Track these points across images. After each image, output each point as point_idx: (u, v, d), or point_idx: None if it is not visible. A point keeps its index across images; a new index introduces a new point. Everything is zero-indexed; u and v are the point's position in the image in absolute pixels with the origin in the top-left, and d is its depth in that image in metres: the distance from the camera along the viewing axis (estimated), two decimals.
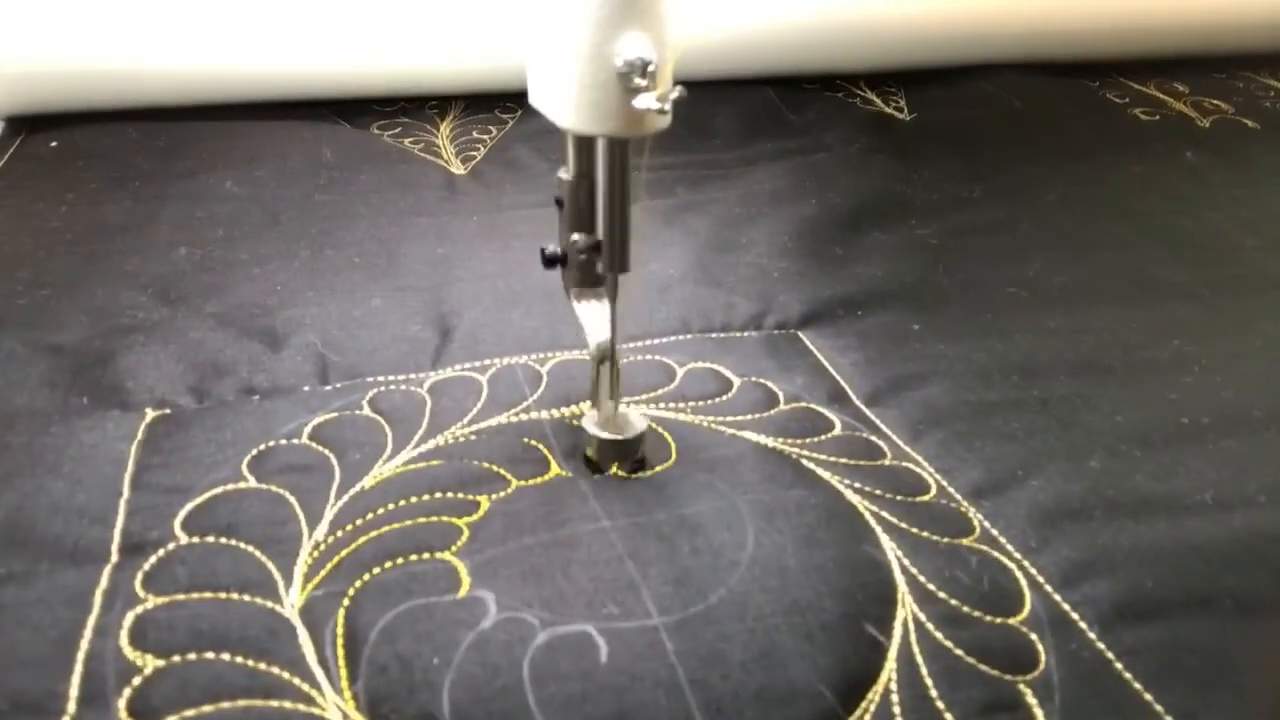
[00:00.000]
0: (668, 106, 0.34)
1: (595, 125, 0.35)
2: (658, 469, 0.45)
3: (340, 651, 0.34)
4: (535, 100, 0.38)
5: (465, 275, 0.61)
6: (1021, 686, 0.36)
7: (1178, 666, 0.37)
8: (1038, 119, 0.98)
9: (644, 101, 0.34)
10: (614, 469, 0.44)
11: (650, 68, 0.33)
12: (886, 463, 0.47)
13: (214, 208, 0.68)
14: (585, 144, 0.39)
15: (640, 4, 0.33)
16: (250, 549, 0.39)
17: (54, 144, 0.76)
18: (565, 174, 0.40)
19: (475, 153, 0.82)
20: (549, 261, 0.43)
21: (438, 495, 0.42)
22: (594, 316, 0.43)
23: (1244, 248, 0.73)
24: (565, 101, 0.35)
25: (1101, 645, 0.38)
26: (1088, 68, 1.10)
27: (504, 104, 0.91)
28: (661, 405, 0.49)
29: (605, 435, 0.44)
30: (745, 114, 0.91)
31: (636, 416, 0.45)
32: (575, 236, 0.41)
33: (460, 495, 0.42)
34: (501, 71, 0.89)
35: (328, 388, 0.50)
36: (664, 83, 0.34)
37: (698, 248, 0.65)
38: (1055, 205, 0.78)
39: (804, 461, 0.46)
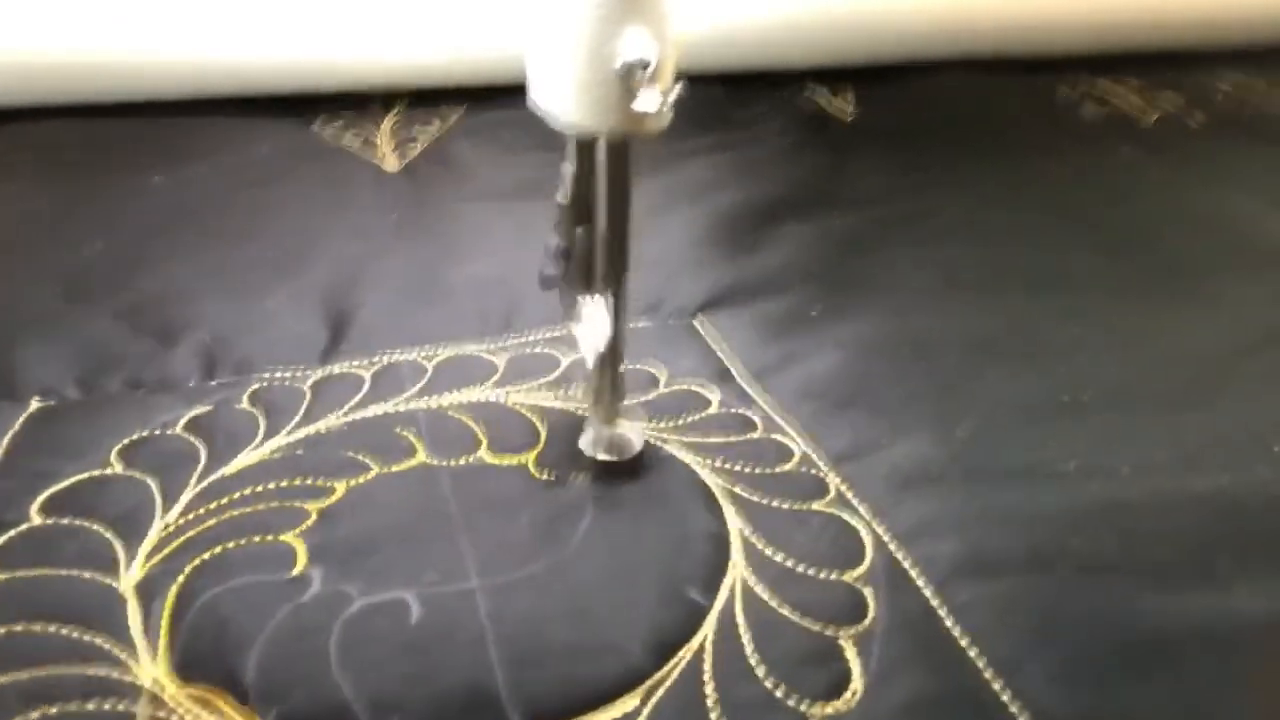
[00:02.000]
0: (668, 105, 0.34)
1: (595, 124, 0.36)
2: (520, 456, 0.45)
3: (165, 623, 0.35)
4: (535, 99, 0.38)
5: (372, 273, 0.62)
6: (842, 640, 0.36)
7: (1008, 621, 0.38)
8: (983, 116, 0.99)
9: (644, 100, 0.34)
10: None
11: (650, 67, 0.33)
12: (755, 436, 0.48)
13: (136, 204, 0.69)
14: (585, 146, 0.39)
15: (640, 3, 0.33)
16: (100, 529, 0.40)
17: None
18: (565, 174, 0.40)
19: (413, 148, 0.82)
20: (547, 282, 0.43)
21: (296, 481, 0.43)
22: (592, 320, 0.42)
23: (1165, 241, 0.73)
24: (565, 100, 0.36)
25: (934, 600, 0.38)
26: (1043, 65, 1.10)
27: (450, 100, 0.92)
28: (541, 390, 0.50)
29: (603, 458, 0.44)
30: (688, 110, 0.91)
31: (636, 435, 0.45)
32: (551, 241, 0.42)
33: (318, 481, 0.43)
34: (448, 65, 0.89)
35: (212, 382, 0.51)
36: (664, 81, 0.34)
37: None
38: (984, 199, 0.79)
39: (665, 445, 0.46)
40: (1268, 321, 0.61)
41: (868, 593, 0.38)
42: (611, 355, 0.42)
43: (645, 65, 0.33)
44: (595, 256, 0.41)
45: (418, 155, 0.82)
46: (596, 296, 0.42)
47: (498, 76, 0.92)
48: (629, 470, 0.45)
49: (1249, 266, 0.69)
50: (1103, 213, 0.77)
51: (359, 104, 0.91)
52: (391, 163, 0.79)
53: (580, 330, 0.43)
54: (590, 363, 0.42)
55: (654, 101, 0.34)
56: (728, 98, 0.97)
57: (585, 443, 0.44)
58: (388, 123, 0.87)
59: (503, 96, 0.91)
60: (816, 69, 1.04)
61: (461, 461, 0.45)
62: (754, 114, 0.94)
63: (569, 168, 0.40)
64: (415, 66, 0.89)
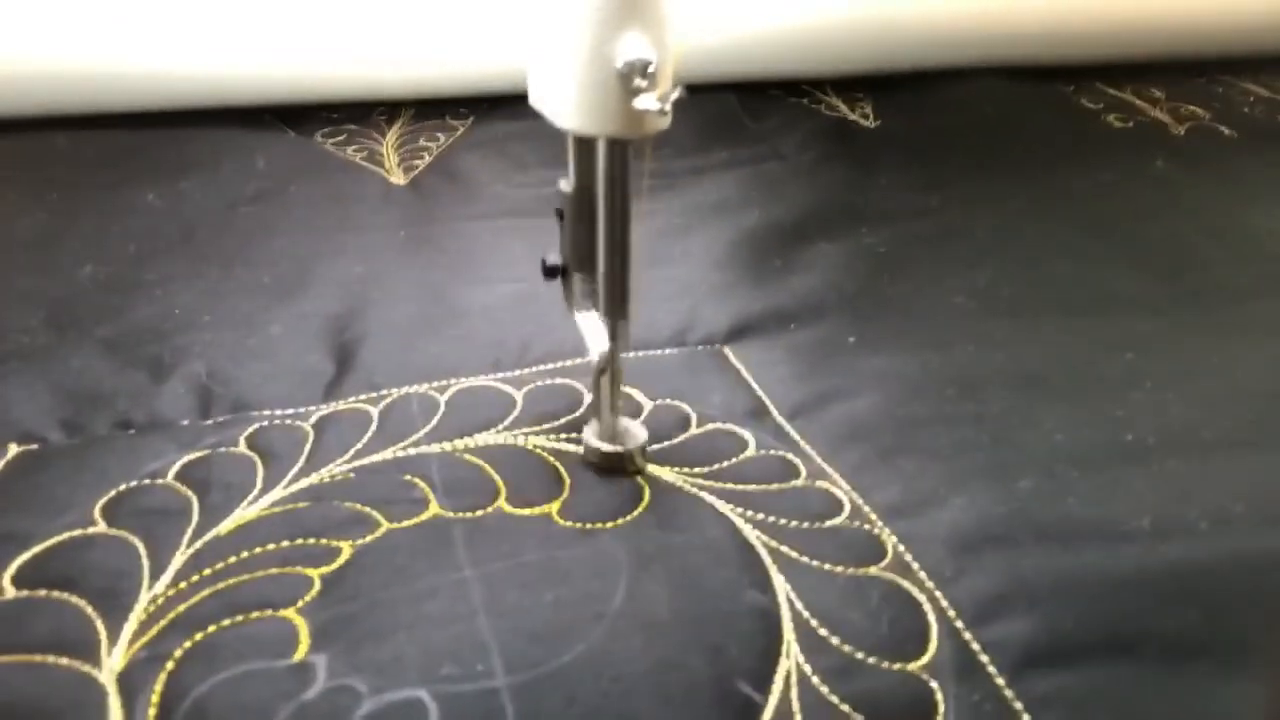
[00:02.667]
0: (668, 107, 0.34)
1: (596, 126, 0.35)
2: (543, 507, 0.41)
3: None
4: (536, 102, 0.38)
5: (379, 297, 0.58)
6: None
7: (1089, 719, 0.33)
8: (1007, 126, 0.95)
9: (644, 102, 0.34)
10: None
11: (650, 68, 0.33)
12: (799, 483, 0.44)
13: (130, 222, 0.65)
14: (586, 147, 0.39)
15: (640, 5, 0.33)
16: (81, 604, 0.36)
17: None
18: (565, 185, 0.40)
19: (419, 161, 0.79)
20: (549, 272, 0.42)
21: (298, 542, 0.39)
22: (595, 326, 0.42)
23: (1211, 260, 0.69)
24: (566, 102, 0.35)
25: (1009, 693, 0.34)
26: (1063, 72, 1.07)
27: (456, 110, 0.88)
28: (562, 437, 0.46)
29: (606, 448, 0.43)
30: (703, 122, 0.88)
31: (637, 427, 0.44)
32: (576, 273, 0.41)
33: (322, 541, 0.39)
34: (455, 76, 0.86)
35: (207, 422, 0.47)
36: (664, 83, 0.34)
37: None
38: (1016, 214, 0.75)
39: (703, 494, 0.42)
40: None
41: (935, 686, 0.34)
42: (610, 373, 0.42)
43: (645, 66, 0.33)
44: (595, 258, 0.40)
45: (424, 169, 0.78)
46: (592, 312, 0.42)
47: (504, 87, 0.88)
48: (666, 522, 0.41)
49: None
50: (1139, 229, 0.74)
51: (362, 116, 0.87)
52: (398, 177, 0.75)
53: (583, 320, 0.43)
54: (593, 355, 0.42)
55: (654, 102, 0.33)
56: (744, 108, 0.93)
57: (586, 435, 0.44)
58: (393, 135, 0.84)
59: (509, 108, 0.88)
60: (833, 77, 1.00)
61: (478, 514, 0.41)
62: (770, 125, 0.91)
63: (570, 168, 0.39)
64: (420, 77, 0.85)
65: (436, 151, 0.80)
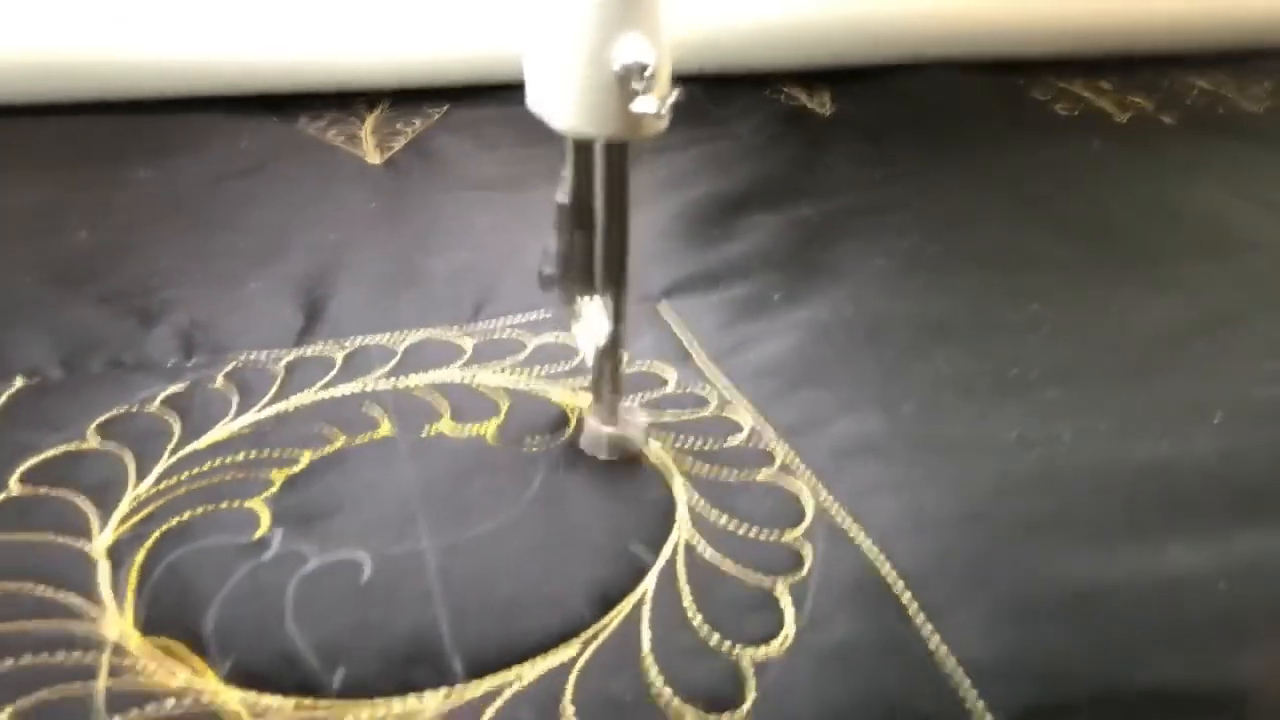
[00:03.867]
0: (666, 109, 0.34)
1: (594, 128, 0.36)
2: (480, 427, 0.47)
3: (132, 581, 0.37)
4: (533, 103, 0.38)
5: (348, 260, 0.64)
6: (778, 590, 0.38)
7: (940, 569, 0.40)
8: (957, 113, 1.00)
9: (642, 104, 0.34)
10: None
11: (648, 70, 0.34)
12: (708, 413, 0.50)
13: (123, 195, 0.71)
14: (583, 149, 0.40)
15: (639, 6, 0.34)
16: (75, 498, 0.42)
17: None
18: (562, 197, 0.41)
19: (395, 143, 0.85)
20: (546, 282, 0.44)
21: (264, 452, 0.45)
22: (591, 320, 0.43)
23: (1130, 229, 0.74)
24: (563, 104, 0.36)
25: (870, 553, 0.40)
26: (1018, 67, 1.12)
27: (434, 99, 0.94)
28: (506, 371, 0.52)
29: (603, 457, 0.45)
30: (677, 102, 0.93)
31: (637, 434, 0.46)
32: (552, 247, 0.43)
33: (286, 452, 0.45)
34: (433, 65, 0.91)
35: (189, 363, 0.53)
36: (662, 85, 0.35)
37: None
38: (951, 188, 0.80)
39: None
40: (1223, 303, 0.63)
41: (806, 549, 0.40)
42: (611, 356, 0.43)
43: (643, 68, 0.34)
44: (594, 258, 0.42)
45: (400, 149, 0.84)
46: (595, 297, 0.43)
47: (481, 75, 0.94)
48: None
49: (1211, 253, 0.71)
50: (1068, 202, 0.79)
51: (344, 103, 0.93)
52: (374, 157, 0.81)
53: (579, 330, 0.45)
54: (590, 362, 0.44)
55: (652, 104, 0.34)
56: (706, 95, 0.99)
57: (586, 443, 0.45)
58: (371, 120, 0.90)
59: (485, 95, 0.94)
60: (795, 69, 1.06)
61: (423, 434, 0.47)
62: (731, 111, 0.96)
63: (568, 169, 0.40)
64: (400, 65, 0.91)
65: (412, 134, 0.86)
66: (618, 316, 0.42)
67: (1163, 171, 0.87)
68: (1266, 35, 1.20)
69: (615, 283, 0.42)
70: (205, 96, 0.87)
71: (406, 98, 0.95)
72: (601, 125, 0.36)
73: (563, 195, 0.41)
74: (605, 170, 0.38)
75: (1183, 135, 0.97)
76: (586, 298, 0.44)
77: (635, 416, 0.46)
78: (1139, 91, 1.08)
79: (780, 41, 1.02)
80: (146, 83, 0.85)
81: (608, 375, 0.44)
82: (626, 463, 0.46)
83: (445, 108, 0.93)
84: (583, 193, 0.41)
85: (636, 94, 0.34)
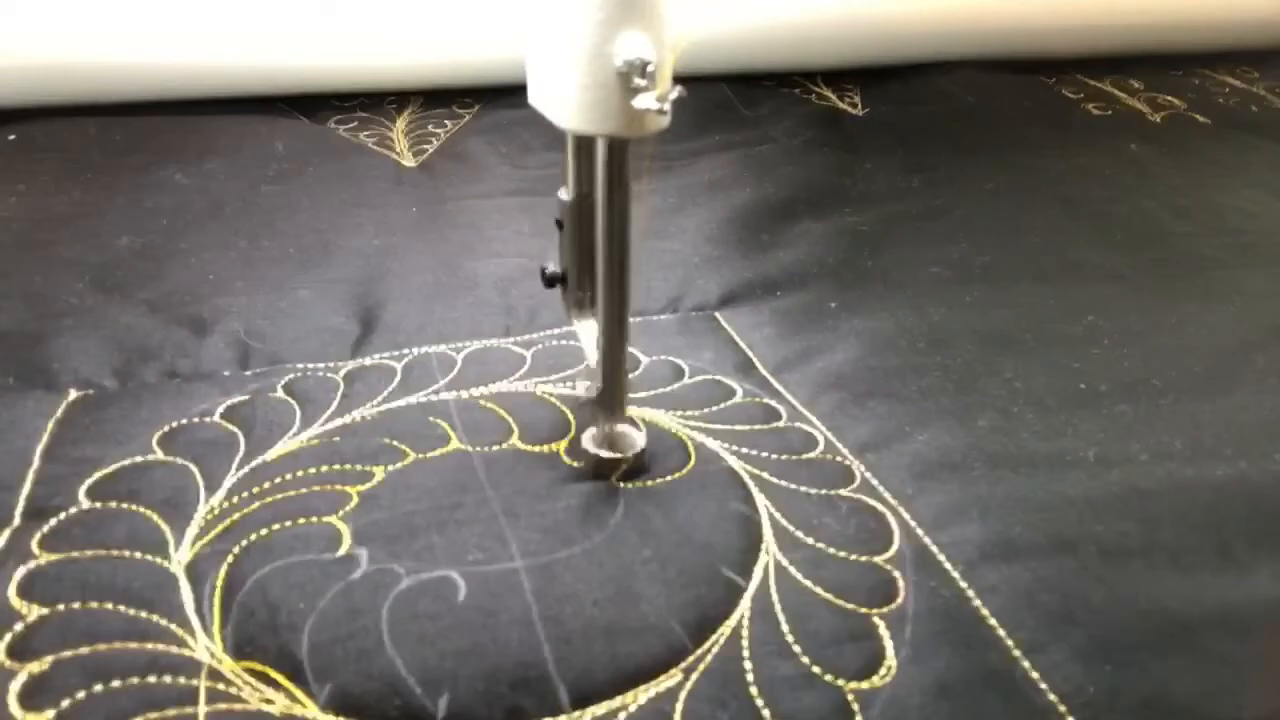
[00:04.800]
0: (667, 106, 0.34)
1: (595, 125, 0.36)
2: (552, 445, 0.46)
3: (217, 600, 0.36)
4: (535, 101, 0.38)
5: (396, 268, 0.63)
6: (875, 619, 0.37)
7: (1033, 603, 0.39)
8: (988, 113, 1.00)
9: (644, 101, 0.34)
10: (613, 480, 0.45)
11: (650, 68, 0.33)
12: (780, 425, 0.49)
13: (161, 199, 0.70)
14: (585, 147, 0.40)
15: (640, 4, 0.34)
16: (148, 513, 0.41)
17: (11, 137, 0.79)
18: (565, 195, 0.41)
19: (428, 146, 0.84)
20: (549, 281, 0.43)
21: (335, 467, 0.44)
22: (595, 333, 0.43)
23: (1174, 234, 0.74)
24: (565, 102, 0.36)
25: (962, 583, 0.39)
26: (1046, 65, 1.12)
27: (462, 99, 0.94)
28: (568, 385, 0.51)
29: (604, 454, 0.44)
30: (698, 109, 0.93)
31: (637, 434, 0.45)
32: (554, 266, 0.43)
33: (357, 467, 0.44)
34: (461, 66, 0.91)
35: (247, 373, 0.52)
36: (663, 82, 0.35)
37: None
38: (992, 193, 0.80)
39: (693, 433, 0.47)
40: (1276, 312, 0.63)
41: (897, 575, 0.39)
42: (614, 365, 0.43)
43: (645, 66, 0.33)
44: (594, 259, 0.41)
45: (433, 153, 0.83)
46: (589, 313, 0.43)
47: (508, 77, 0.93)
48: (661, 455, 0.46)
49: (1258, 260, 0.71)
50: (1109, 206, 0.79)
51: (373, 104, 0.92)
52: (408, 160, 0.80)
53: (583, 329, 0.44)
54: (592, 361, 0.43)
55: (653, 101, 0.34)
56: (737, 97, 0.98)
57: (587, 441, 0.45)
58: (402, 122, 0.89)
59: (513, 96, 0.93)
60: (824, 69, 1.06)
61: (494, 448, 0.46)
62: (764, 113, 0.96)
63: (569, 167, 0.40)
64: (428, 67, 0.90)
65: (445, 136, 0.85)
66: (620, 320, 0.41)
67: (1200, 174, 0.86)
68: None
69: (618, 283, 0.41)
70: (234, 99, 0.86)
71: (435, 98, 0.94)
72: (602, 123, 0.36)
73: (564, 193, 0.41)
74: (606, 168, 0.38)
75: (1217, 136, 0.97)
76: (584, 321, 0.44)
77: (635, 437, 0.45)
78: (1171, 91, 1.08)
79: (808, 41, 1.01)
80: (176, 85, 0.84)
81: (609, 388, 0.43)
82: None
83: (475, 108, 0.92)
84: (584, 190, 0.40)
85: (638, 91, 0.34)
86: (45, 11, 0.80)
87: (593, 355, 0.43)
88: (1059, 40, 1.11)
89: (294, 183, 0.75)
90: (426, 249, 0.66)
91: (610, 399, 0.43)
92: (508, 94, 0.92)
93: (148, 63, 0.83)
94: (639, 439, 0.45)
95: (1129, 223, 0.75)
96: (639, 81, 0.34)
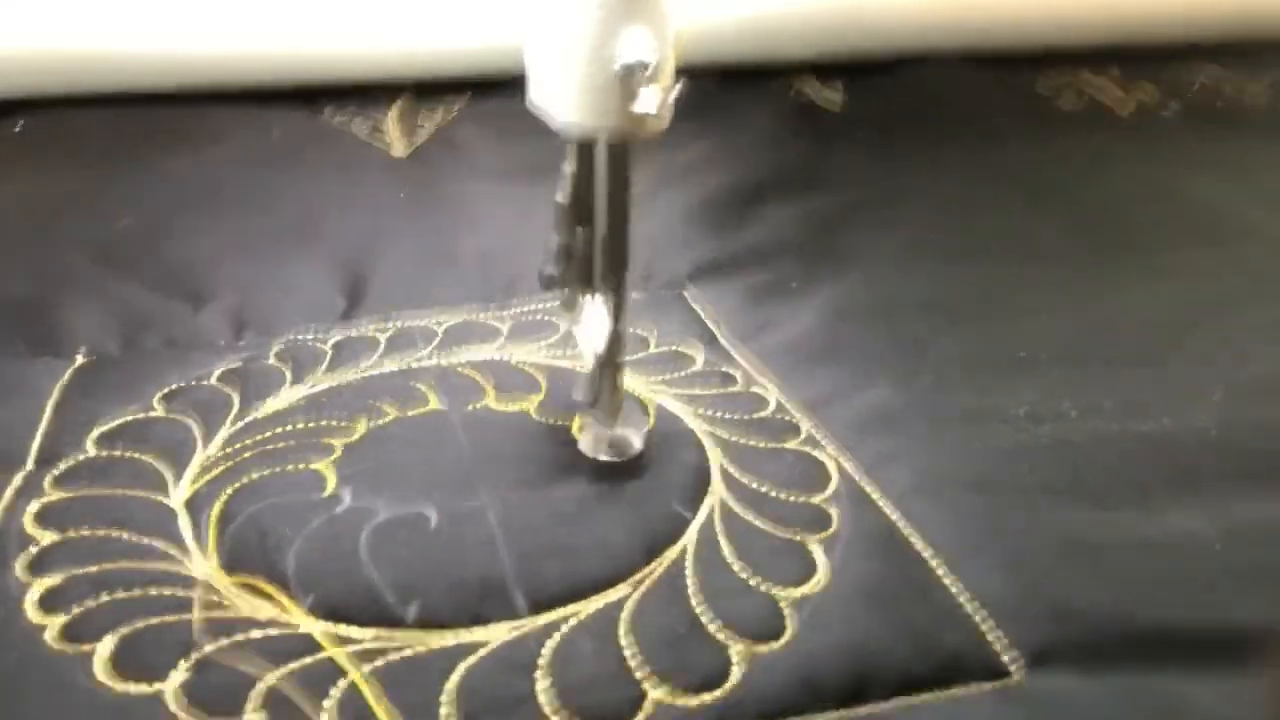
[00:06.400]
0: (668, 106, 0.35)
1: (595, 126, 0.36)
2: (523, 404, 0.50)
3: (212, 529, 0.40)
4: (535, 100, 0.39)
5: (383, 246, 0.67)
6: (810, 542, 0.41)
7: (957, 528, 0.43)
8: (963, 107, 1.02)
9: (644, 102, 0.35)
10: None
11: (650, 68, 0.34)
12: (735, 389, 0.53)
13: (159, 183, 0.74)
14: (585, 148, 0.40)
15: (640, 4, 0.34)
16: (150, 459, 0.45)
17: (18, 128, 0.82)
18: (562, 197, 0.42)
19: (419, 135, 0.87)
20: (547, 282, 0.44)
21: (322, 422, 0.48)
22: (593, 321, 0.43)
23: (1132, 219, 0.77)
24: (565, 101, 0.36)
25: (892, 514, 0.43)
26: (1025, 59, 1.14)
27: (454, 90, 0.96)
28: (543, 351, 0.55)
29: (602, 459, 0.45)
30: (679, 99, 0.96)
31: (636, 437, 0.46)
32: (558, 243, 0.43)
33: (342, 423, 0.48)
34: (452, 58, 0.94)
35: (241, 342, 0.56)
36: (664, 82, 0.35)
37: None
38: (955, 181, 0.83)
39: (656, 396, 0.51)
40: (1222, 290, 0.66)
41: (833, 510, 0.43)
42: (611, 355, 0.43)
43: (645, 66, 0.34)
44: (595, 257, 0.42)
45: (424, 141, 0.86)
46: (596, 297, 0.43)
47: (501, 68, 0.97)
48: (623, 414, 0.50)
49: (1209, 242, 0.73)
50: (1073, 192, 0.81)
51: (367, 95, 0.96)
52: (399, 148, 0.84)
53: (580, 331, 0.46)
54: (590, 363, 0.44)
55: (654, 102, 0.34)
56: (718, 88, 1.01)
57: (585, 444, 0.46)
58: (394, 112, 0.92)
59: (504, 87, 0.96)
60: (807, 62, 1.09)
61: (470, 408, 0.50)
62: (743, 103, 0.99)
63: (569, 168, 0.40)
64: (421, 57, 0.94)
65: (434, 126, 0.89)
66: (617, 318, 0.42)
67: (1164, 164, 0.89)
68: (1269, 28, 1.22)
69: (616, 283, 0.42)
70: (231, 89, 0.90)
71: (427, 89, 0.97)
72: (603, 123, 0.36)
73: (562, 195, 0.41)
74: (607, 168, 0.38)
75: (1184, 128, 0.99)
76: (587, 297, 0.44)
77: (634, 417, 0.47)
78: (1143, 84, 1.10)
79: (790, 34, 1.04)
80: (174, 76, 0.88)
81: (607, 379, 0.43)
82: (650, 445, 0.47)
83: (466, 98, 0.95)
84: (583, 191, 0.41)
85: (638, 92, 0.34)
86: (56, 5, 0.83)
87: (590, 358, 0.43)
88: (1038, 34, 1.13)
89: (287, 168, 0.79)
90: (412, 229, 0.70)
91: (608, 401, 0.44)
92: (499, 85, 0.95)
93: (151, 55, 0.86)
94: (637, 442, 0.46)
95: (1087, 209, 0.78)
96: (639, 82, 0.34)
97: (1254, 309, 0.63)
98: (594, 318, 0.43)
